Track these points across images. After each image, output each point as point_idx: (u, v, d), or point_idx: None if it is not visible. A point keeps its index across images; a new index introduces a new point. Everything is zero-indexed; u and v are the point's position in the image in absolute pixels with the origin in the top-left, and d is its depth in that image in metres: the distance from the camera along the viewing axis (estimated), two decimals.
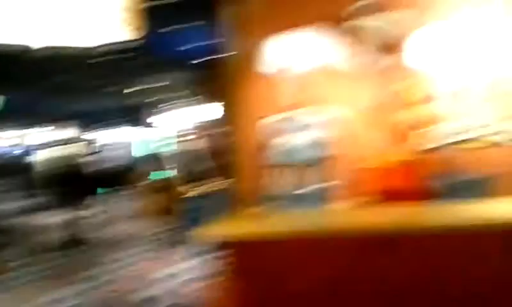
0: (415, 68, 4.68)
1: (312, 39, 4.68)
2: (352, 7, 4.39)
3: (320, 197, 4.37)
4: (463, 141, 4.65)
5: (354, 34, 4.40)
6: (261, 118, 4.57)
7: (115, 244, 10.14)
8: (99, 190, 13.51)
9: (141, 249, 9.37)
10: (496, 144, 4.62)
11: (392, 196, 4.23)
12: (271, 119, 4.59)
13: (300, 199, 4.37)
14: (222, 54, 4.65)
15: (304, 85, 4.71)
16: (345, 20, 4.45)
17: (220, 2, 4.38)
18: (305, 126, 4.51)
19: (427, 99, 4.65)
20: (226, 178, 4.60)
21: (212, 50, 4.52)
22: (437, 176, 4.42)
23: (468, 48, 4.63)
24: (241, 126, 4.69)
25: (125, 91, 17.00)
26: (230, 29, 4.61)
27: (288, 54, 4.68)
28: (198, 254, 7.01)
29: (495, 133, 4.64)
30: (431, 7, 4.59)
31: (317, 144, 4.46)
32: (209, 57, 4.66)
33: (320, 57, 4.69)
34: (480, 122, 4.65)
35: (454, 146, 4.62)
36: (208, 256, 3.87)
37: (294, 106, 4.68)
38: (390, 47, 4.42)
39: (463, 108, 4.68)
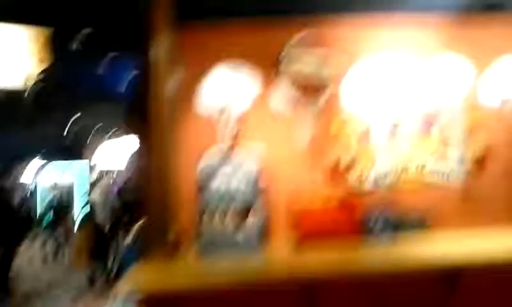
0: (350, 106, 4.72)
1: (245, 78, 4.60)
2: (285, 47, 4.36)
3: (256, 241, 4.20)
4: (399, 180, 4.71)
5: (287, 73, 4.35)
6: (196, 158, 4.36)
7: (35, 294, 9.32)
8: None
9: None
10: (431, 184, 4.74)
11: (328, 237, 4.15)
12: (206, 160, 4.39)
13: (236, 244, 4.17)
14: (154, 89, 4.40)
15: (240, 125, 4.60)
16: (278, 59, 4.41)
17: (152, 34, 4.17)
18: (241, 168, 4.36)
19: (363, 138, 4.69)
20: (158, 222, 4.29)
21: (144, 85, 4.25)
22: (374, 216, 4.40)
23: (399, 86, 4.76)
24: (175, 166, 4.44)
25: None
26: (162, 63, 4.41)
27: (224, 93, 4.55)
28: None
29: (430, 173, 4.75)
30: (360, 48, 4.71)
31: (253, 186, 4.31)
32: (141, 92, 4.35)
33: (255, 96, 4.61)
34: (415, 161, 4.74)
35: (390, 186, 4.67)
36: None
37: (230, 146, 4.53)
38: (323, 86, 4.43)
39: (398, 147, 4.75)
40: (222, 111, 4.54)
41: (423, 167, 4.75)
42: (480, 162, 4.77)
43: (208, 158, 4.41)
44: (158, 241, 4.17)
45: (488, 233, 4.33)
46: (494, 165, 4.79)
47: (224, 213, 4.26)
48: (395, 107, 4.72)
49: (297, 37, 4.42)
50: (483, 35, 4.80)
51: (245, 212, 4.27)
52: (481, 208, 4.71)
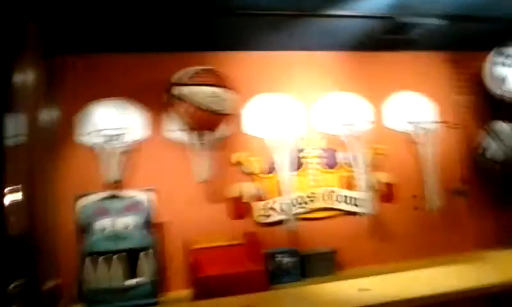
0: (253, 138, 4.44)
1: (135, 111, 4.21)
2: (175, 77, 4.00)
3: (150, 289, 3.66)
4: (306, 211, 4.46)
5: (178, 106, 3.98)
6: (80, 196, 3.78)
7: None
8: None
9: None
10: (340, 213, 4.53)
11: (232, 276, 3.69)
12: (91, 198, 3.82)
13: (126, 293, 3.60)
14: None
15: (131, 159, 4.14)
16: (167, 92, 4.02)
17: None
18: (132, 207, 3.84)
19: (267, 169, 4.42)
20: (38, 270, 3.65)
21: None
22: (281, 252, 4.09)
23: (300, 118, 4.58)
24: (56, 205, 3.85)
25: None
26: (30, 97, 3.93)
27: (112, 124, 4.10)
28: None
29: (340, 202, 4.55)
30: (254, 85, 4.51)
31: (144, 225, 3.81)
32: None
33: (145, 129, 4.21)
34: (322, 189, 4.52)
35: (297, 217, 4.39)
36: None
37: (119, 183, 4.04)
38: (218, 119, 4.08)
39: (304, 176, 4.52)
40: (108, 142, 4.04)
41: (331, 194, 4.54)
42: (387, 190, 4.68)
43: (91, 194, 3.84)
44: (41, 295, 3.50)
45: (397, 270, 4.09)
46: (401, 193, 4.73)
47: (111, 258, 3.67)
48: (299, 138, 4.54)
49: (187, 72, 4.02)
50: (376, 73, 4.83)
51: (136, 255, 3.73)
52: (390, 239, 4.60)
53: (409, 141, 4.80)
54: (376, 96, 4.77)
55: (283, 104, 4.53)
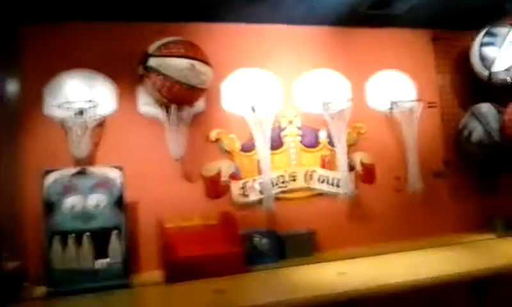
0: (231, 114, 4.26)
1: (107, 83, 3.99)
2: (151, 48, 3.76)
3: (121, 271, 3.47)
4: (285, 191, 4.32)
5: (151, 78, 3.76)
6: (47, 171, 3.56)
7: None
8: None
9: None
10: (320, 194, 4.42)
11: (206, 259, 3.54)
12: (59, 174, 3.59)
13: (96, 275, 3.43)
14: None
15: (100, 130, 3.93)
16: (140, 63, 3.79)
17: None
18: (101, 180, 3.63)
19: (246, 146, 4.26)
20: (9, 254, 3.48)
21: None
22: (259, 232, 3.91)
23: (281, 95, 4.41)
24: (21, 181, 3.65)
25: None
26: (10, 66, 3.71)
27: (81, 97, 3.85)
28: None
29: (322, 182, 4.42)
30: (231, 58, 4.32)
31: (115, 203, 3.59)
32: None
33: (120, 102, 4.01)
34: (303, 169, 4.39)
35: (276, 198, 4.25)
36: None
37: (88, 158, 3.83)
38: (193, 93, 3.88)
39: (284, 155, 4.38)
40: (78, 115, 3.81)
41: (312, 174, 4.41)
42: (368, 171, 4.58)
43: (59, 170, 3.59)
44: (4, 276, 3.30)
45: (377, 252, 4.02)
46: (382, 175, 4.64)
47: (80, 238, 3.47)
48: (279, 115, 4.38)
49: (163, 42, 3.79)
50: (358, 49, 4.70)
51: (106, 234, 3.52)
52: (370, 220, 4.51)
53: (390, 120, 4.68)
54: (357, 74, 4.63)
55: (262, 80, 4.35)
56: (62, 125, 3.82)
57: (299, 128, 4.44)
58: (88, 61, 3.92)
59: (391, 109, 4.66)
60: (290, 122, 4.43)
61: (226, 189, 4.17)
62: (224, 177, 4.17)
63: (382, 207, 4.55)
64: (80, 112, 3.81)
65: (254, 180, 4.24)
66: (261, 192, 4.21)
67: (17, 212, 3.68)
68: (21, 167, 3.71)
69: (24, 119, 3.77)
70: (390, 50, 4.80)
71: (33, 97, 3.79)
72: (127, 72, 3.95)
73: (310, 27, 4.51)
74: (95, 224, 3.53)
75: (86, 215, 3.53)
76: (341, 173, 4.40)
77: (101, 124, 3.94)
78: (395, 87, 4.73)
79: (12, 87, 3.77)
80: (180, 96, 3.82)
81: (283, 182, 4.33)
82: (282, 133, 4.40)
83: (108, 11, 3.85)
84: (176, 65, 3.71)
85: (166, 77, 3.71)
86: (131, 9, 3.88)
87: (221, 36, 4.29)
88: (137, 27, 4.02)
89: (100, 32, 3.99)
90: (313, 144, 4.47)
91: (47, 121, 3.82)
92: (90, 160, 3.84)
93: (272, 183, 4.23)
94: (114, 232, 3.54)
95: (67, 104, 3.80)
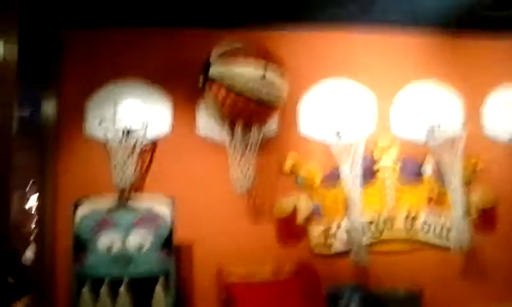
0: (309, 138, 3.57)
1: (160, 99, 3.44)
2: (214, 55, 3.16)
3: None
4: (381, 240, 3.51)
5: (214, 92, 3.12)
6: (79, 202, 2.98)
7: None
8: None
9: None
10: (425, 244, 3.60)
11: None
12: (94, 205, 3.00)
13: None
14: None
15: (150, 158, 3.38)
16: (206, 72, 3.15)
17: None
18: (147, 220, 2.98)
19: (330, 180, 3.50)
20: (34, 299, 3.00)
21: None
22: (345, 292, 3.15)
23: (375, 116, 3.67)
24: (53, 212, 3.15)
25: None
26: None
27: (129, 115, 3.32)
28: None
29: (424, 228, 3.59)
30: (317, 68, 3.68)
31: (163, 246, 2.95)
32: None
33: (175, 122, 3.43)
34: (403, 211, 3.58)
35: (368, 247, 3.43)
36: None
37: (133, 188, 3.24)
38: (266, 109, 3.22)
39: (379, 192, 3.58)
40: (124, 136, 3.24)
41: (414, 219, 3.56)
42: (486, 216, 3.70)
43: (95, 201, 2.98)
44: None
45: None
46: (505, 222, 3.77)
47: (116, 287, 2.84)
48: (371, 142, 3.60)
49: (229, 49, 3.20)
50: (473, 61, 3.94)
51: (150, 284, 2.88)
52: (489, 279, 3.67)
53: None
54: (472, 91, 3.89)
55: (350, 97, 3.65)
56: (104, 146, 3.26)
57: (396, 160, 3.62)
58: (140, 72, 3.47)
59: None
60: (385, 150, 3.62)
61: (303, 233, 3.46)
62: (301, 218, 3.44)
63: (504, 262, 3.73)
64: (128, 132, 3.24)
65: (339, 226, 3.46)
66: (349, 240, 3.39)
67: (47, 249, 3.11)
68: (54, 196, 3.21)
69: (60, 139, 3.32)
70: None
71: (73, 113, 3.36)
72: (186, 86, 3.45)
73: (411, 32, 3.85)
74: (135, 270, 2.92)
75: (124, 258, 2.93)
76: (454, 219, 3.52)
77: (151, 148, 3.38)
78: None
79: (49, 100, 3.31)
80: (246, 113, 3.16)
81: (377, 229, 3.49)
82: (375, 166, 3.58)
83: (165, 15, 3.42)
84: (243, 74, 3.07)
85: (230, 88, 3.07)
86: (192, 13, 3.41)
87: (299, 43, 3.72)
88: (199, 34, 3.54)
89: (154, 39, 3.57)
90: (414, 180, 3.63)
91: (87, 142, 3.33)
92: (135, 190, 3.26)
93: (363, 230, 3.42)
94: (160, 281, 2.92)
95: (112, 123, 3.25)
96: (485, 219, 3.72)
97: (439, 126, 3.62)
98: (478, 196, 3.71)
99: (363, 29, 3.76)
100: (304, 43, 3.71)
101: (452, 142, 3.60)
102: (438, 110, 3.71)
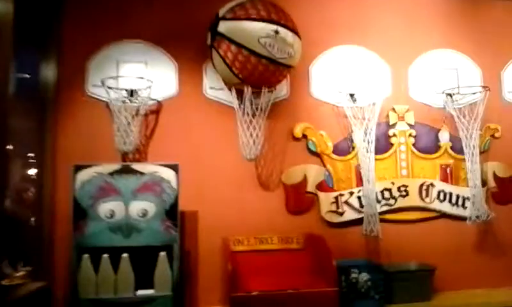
0: (322, 103, 3.39)
1: (164, 59, 3.23)
2: (224, 9, 2.94)
3: (170, 305, 2.64)
4: (394, 208, 3.36)
5: (228, 50, 2.89)
6: (79, 167, 2.80)
7: None
8: None
9: None
10: (440, 214, 3.45)
11: (288, 299, 2.65)
12: (94, 170, 2.80)
13: (140, 303, 2.64)
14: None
15: (154, 121, 3.17)
16: (215, 28, 2.94)
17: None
18: (151, 186, 2.79)
19: (342, 146, 3.34)
20: (32, 269, 2.88)
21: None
22: (357, 264, 2.97)
23: (390, 81, 3.48)
24: (52, 177, 2.99)
25: None
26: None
27: (133, 75, 3.10)
28: None
29: (442, 200, 3.44)
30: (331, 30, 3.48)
31: (167, 213, 2.78)
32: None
33: (181, 83, 3.22)
34: (418, 180, 3.42)
35: (380, 216, 3.28)
36: None
37: (136, 152, 3.08)
38: (277, 71, 3.00)
39: (393, 159, 3.42)
40: (128, 97, 3.04)
41: (429, 187, 3.40)
42: (504, 187, 3.55)
43: (95, 166, 2.81)
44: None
45: None
46: None
47: (118, 258, 2.69)
48: (386, 107, 3.42)
49: (239, 2, 2.96)
50: (491, 26, 3.73)
51: (153, 255, 2.72)
52: (507, 254, 3.53)
53: None
54: (491, 57, 3.70)
55: (365, 60, 3.45)
56: (107, 108, 3.08)
57: (412, 126, 3.45)
58: (143, 31, 3.25)
59: None
60: (401, 117, 3.45)
61: (313, 202, 3.29)
62: (311, 186, 3.27)
63: None
64: (131, 93, 3.04)
65: (351, 193, 3.29)
66: (361, 209, 3.25)
67: (46, 216, 2.98)
68: (53, 161, 3.01)
69: (60, 101, 3.09)
70: None
71: (73, 74, 3.14)
72: (192, 46, 3.24)
73: None
74: (138, 240, 2.75)
75: (126, 227, 2.76)
76: (471, 188, 3.37)
77: (156, 110, 3.18)
78: None
79: (49, 61, 3.10)
80: (257, 74, 2.95)
81: (391, 198, 3.33)
82: (390, 132, 3.41)
83: None
84: (255, 31, 2.85)
85: (239, 46, 2.87)
86: None
87: (311, 4, 3.46)
88: None
89: None
90: (430, 148, 3.47)
91: (89, 104, 3.12)
92: (138, 154, 3.10)
93: (377, 198, 3.27)
94: (164, 252, 2.75)
95: (115, 83, 3.05)
96: (503, 188, 3.54)
97: (458, 93, 3.41)
98: (496, 165, 3.54)
99: None
100: (314, 3, 3.46)
101: (470, 108, 3.41)
102: (456, 76, 3.52)
